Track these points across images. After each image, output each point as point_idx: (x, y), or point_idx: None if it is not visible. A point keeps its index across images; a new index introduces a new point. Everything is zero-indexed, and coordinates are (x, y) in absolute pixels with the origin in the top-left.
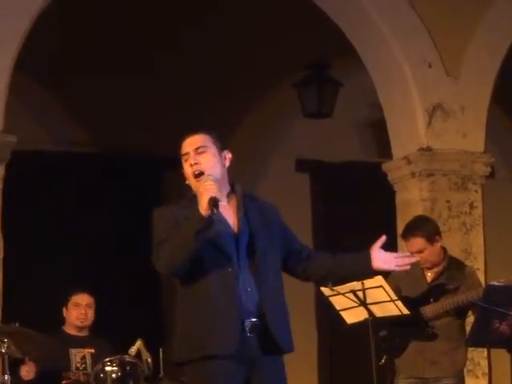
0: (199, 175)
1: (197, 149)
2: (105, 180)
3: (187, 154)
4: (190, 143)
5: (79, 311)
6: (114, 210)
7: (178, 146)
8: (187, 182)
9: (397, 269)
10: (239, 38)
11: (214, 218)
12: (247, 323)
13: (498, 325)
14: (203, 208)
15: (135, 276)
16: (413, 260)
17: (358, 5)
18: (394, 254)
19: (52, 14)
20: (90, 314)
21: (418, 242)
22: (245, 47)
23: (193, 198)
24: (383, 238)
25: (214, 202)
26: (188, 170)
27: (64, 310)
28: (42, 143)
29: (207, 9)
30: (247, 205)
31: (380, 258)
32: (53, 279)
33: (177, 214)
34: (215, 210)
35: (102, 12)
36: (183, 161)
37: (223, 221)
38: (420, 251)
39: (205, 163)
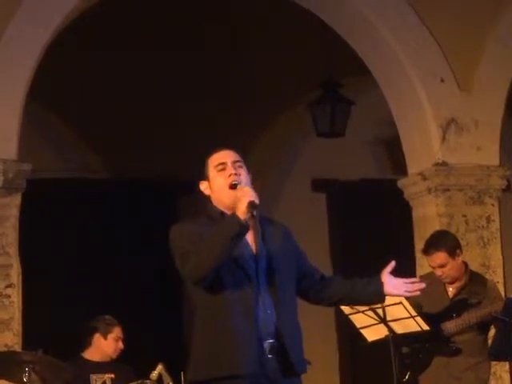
0: (236, 186)
1: (235, 162)
2: (120, 206)
3: (224, 163)
4: (227, 155)
5: (118, 345)
6: (130, 236)
7: (204, 161)
8: (208, 193)
9: (407, 295)
10: (250, 59)
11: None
12: (266, 344)
13: None
14: (242, 212)
15: (156, 300)
16: (422, 286)
17: (369, 22)
18: (403, 280)
19: (64, 42)
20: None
21: (440, 256)
22: (256, 68)
23: (215, 214)
24: (392, 264)
25: (252, 206)
26: (221, 179)
27: (96, 336)
28: (56, 171)
29: (220, 29)
30: (264, 228)
31: (390, 283)
32: (68, 305)
33: (199, 229)
34: (254, 213)
35: (116, 39)
36: (216, 170)
37: (244, 241)
38: (442, 266)
39: (244, 177)
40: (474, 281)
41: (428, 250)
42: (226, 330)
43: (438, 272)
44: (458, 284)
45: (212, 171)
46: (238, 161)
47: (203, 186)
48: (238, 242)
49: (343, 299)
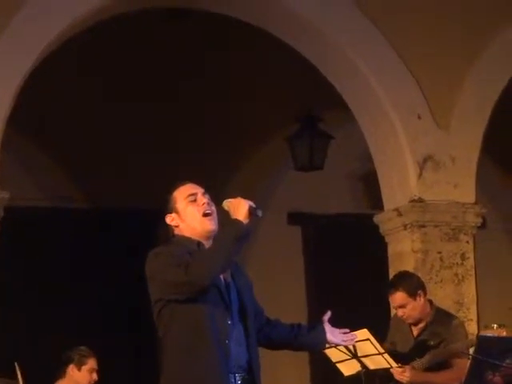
0: (210, 215)
1: (204, 193)
2: (99, 235)
3: (195, 194)
4: (195, 187)
5: (93, 376)
6: (109, 266)
7: (171, 192)
8: (175, 225)
9: (343, 343)
10: (229, 92)
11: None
12: (238, 378)
13: (491, 376)
14: (243, 215)
15: (131, 328)
16: (354, 338)
17: (347, 58)
18: (340, 330)
19: (43, 70)
20: None
21: (400, 296)
22: (234, 100)
23: (191, 245)
24: (329, 313)
25: (253, 210)
26: (194, 209)
27: (70, 367)
28: (34, 199)
29: (201, 63)
30: (232, 268)
31: (330, 331)
32: (42, 334)
33: (183, 250)
34: (259, 213)
35: (95, 69)
36: (187, 201)
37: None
38: (402, 306)
39: (214, 208)
40: (437, 321)
41: (388, 289)
42: (203, 360)
43: (399, 312)
44: (421, 325)
45: (181, 202)
46: (206, 192)
47: (170, 219)
48: (242, 244)
49: (288, 344)
